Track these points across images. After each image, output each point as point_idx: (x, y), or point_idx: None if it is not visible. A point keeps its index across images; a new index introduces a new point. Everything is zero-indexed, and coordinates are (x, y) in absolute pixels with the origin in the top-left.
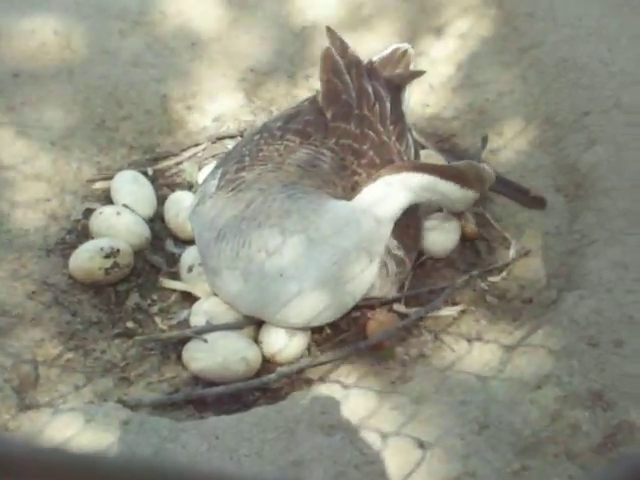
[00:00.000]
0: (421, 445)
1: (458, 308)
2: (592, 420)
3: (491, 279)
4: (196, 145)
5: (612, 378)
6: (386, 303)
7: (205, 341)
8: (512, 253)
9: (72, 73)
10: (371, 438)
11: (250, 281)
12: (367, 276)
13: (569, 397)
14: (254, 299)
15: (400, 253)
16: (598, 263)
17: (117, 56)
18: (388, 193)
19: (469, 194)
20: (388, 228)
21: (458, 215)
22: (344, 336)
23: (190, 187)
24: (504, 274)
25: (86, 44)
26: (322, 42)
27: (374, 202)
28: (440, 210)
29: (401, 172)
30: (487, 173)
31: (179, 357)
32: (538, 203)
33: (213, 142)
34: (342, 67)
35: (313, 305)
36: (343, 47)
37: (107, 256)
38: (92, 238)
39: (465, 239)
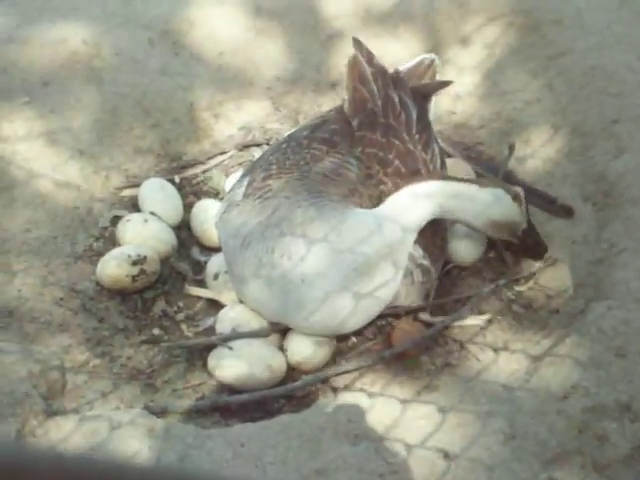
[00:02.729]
0: (446, 455)
1: (484, 317)
2: (620, 431)
3: (518, 288)
4: (222, 153)
5: None
6: (411, 312)
7: (231, 348)
8: (538, 262)
9: (101, 81)
10: (396, 447)
11: (273, 288)
12: (391, 284)
13: (596, 408)
14: (278, 306)
15: (426, 262)
16: (626, 273)
17: (145, 65)
18: (412, 202)
19: (498, 197)
20: (412, 237)
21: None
22: (369, 344)
23: (217, 194)
24: (531, 283)
25: (114, 53)
26: (348, 51)
27: (398, 211)
28: None
29: (425, 182)
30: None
31: (205, 364)
32: (565, 212)
33: (239, 150)
34: (369, 75)
35: (335, 312)
36: (369, 57)
37: (134, 263)
38: (119, 245)
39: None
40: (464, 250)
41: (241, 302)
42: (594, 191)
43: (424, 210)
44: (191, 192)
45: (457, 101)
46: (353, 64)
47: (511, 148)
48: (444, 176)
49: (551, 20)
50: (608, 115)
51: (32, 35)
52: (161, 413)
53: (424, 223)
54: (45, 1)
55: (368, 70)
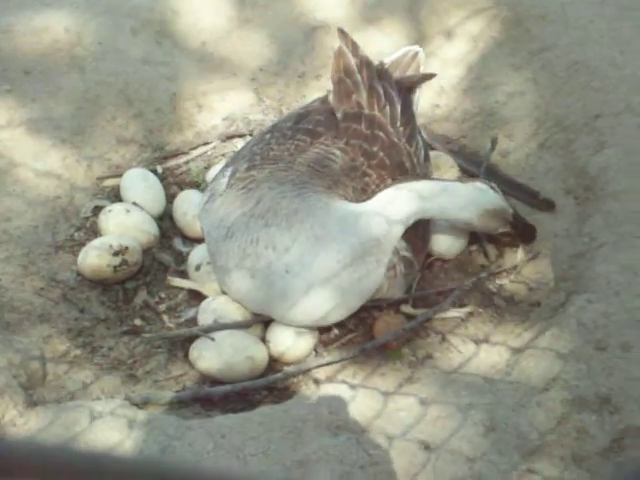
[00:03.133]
0: (427, 447)
1: (466, 310)
2: (599, 424)
3: (499, 282)
4: (206, 144)
5: (620, 382)
6: (394, 304)
7: (212, 339)
8: (520, 255)
9: (83, 70)
10: (377, 439)
11: (257, 278)
12: (375, 277)
13: (576, 400)
14: (262, 296)
15: (409, 254)
16: (607, 266)
17: (128, 54)
18: (399, 197)
19: (481, 189)
20: (398, 231)
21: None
22: (351, 336)
23: (197, 186)
24: (512, 277)
25: (97, 41)
26: (332, 43)
27: (385, 205)
28: None
29: (411, 181)
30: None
31: (186, 355)
32: (547, 206)
33: (223, 141)
34: (354, 66)
35: (319, 303)
36: (354, 48)
37: (116, 254)
38: (101, 235)
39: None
40: (447, 243)
41: (223, 293)
42: (576, 185)
43: (410, 205)
44: (174, 182)
45: (441, 94)
46: (338, 55)
47: (494, 141)
48: (427, 176)
49: (535, 14)
50: (590, 110)
51: (14, 23)
52: (142, 404)
53: (412, 220)
54: None
55: (353, 61)
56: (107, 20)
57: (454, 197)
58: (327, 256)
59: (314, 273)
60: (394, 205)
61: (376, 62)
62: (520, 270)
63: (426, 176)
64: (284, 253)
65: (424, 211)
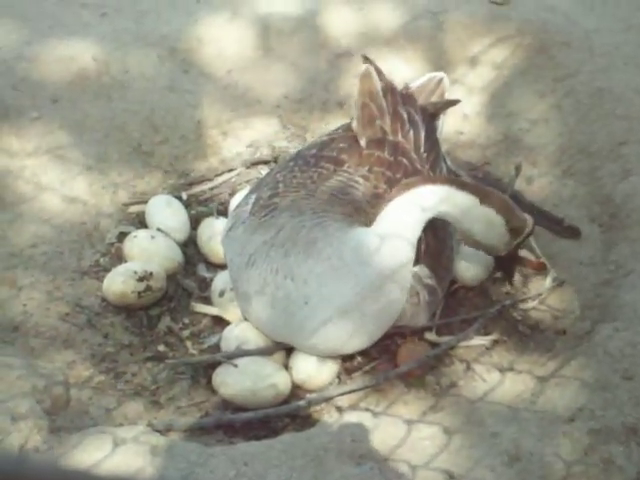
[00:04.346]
0: (451, 476)
1: (490, 338)
2: (626, 455)
3: (524, 307)
4: (230, 170)
5: None
6: (417, 331)
7: (235, 366)
8: (549, 282)
9: (110, 98)
10: (400, 468)
11: (277, 308)
12: (395, 304)
13: (603, 431)
14: (282, 326)
15: (432, 282)
16: (633, 295)
17: (154, 82)
18: (401, 216)
19: (491, 215)
20: (410, 251)
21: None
22: (374, 364)
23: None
24: (535, 303)
25: (124, 70)
26: (356, 70)
27: (391, 228)
28: None
29: (410, 189)
30: (521, 213)
31: (209, 382)
32: (572, 233)
33: (247, 167)
34: (379, 90)
35: (338, 334)
36: (379, 74)
37: (140, 279)
38: (126, 261)
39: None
40: (471, 270)
41: (246, 320)
42: (601, 212)
43: (415, 219)
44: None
45: (465, 121)
46: (365, 77)
47: (518, 168)
48: (429, 178)
49: (559, 41)
50: (615, 137)
51: (42, 52)
52: (165, 430)
53: (419, 231)
54: (55, 18)
55: (379, 84)
56: (134, 49)
57: (462, 211)
58: (345, 288)
59: (333, 305)
60: (400, 226)
61: (401, 86)
62: (545, 298)
63: (426, 175)
64: (303, 284)
65: (431, 217)
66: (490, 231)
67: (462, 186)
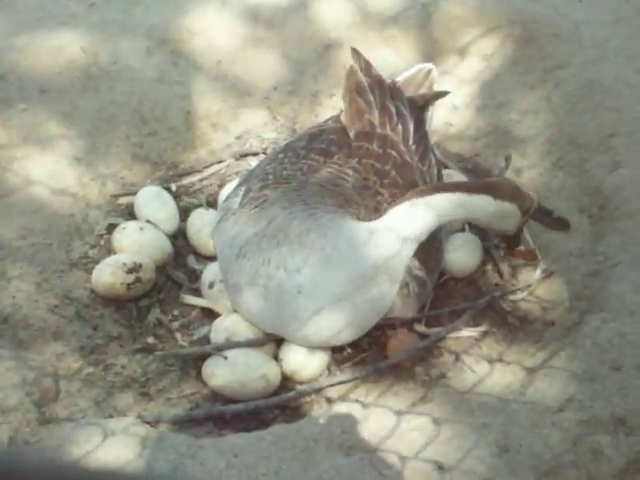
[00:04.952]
0: (440, 467)
1: (479, 329)
2: (614, 445)
3: (513, 298)
4: (219, 162)
5: (635, 403)
6: (407, 323)
7: (225, 358)
8: (538, 273)
9: (98, 90)
10: (390, 459)
11: (269, 299)
12: (387, 296)
13: (591, 421)
14: (273, 317)
15: (422, 273)
16: (621, 286)
17: (143, 73)
18: (413, 214)
19: (506, 206)
20: (411, 249)
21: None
22: (364, 355)
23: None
24: (524, 294)
25: (112, 61)
26: (346, 61)
27: (399, 223)
28: (462, 230)
29: (425, 195)
30: (526, 192)
31: (199, 373)
32: (561, 224)
33: (236, 159)
34: (366, 86)
35: (331, 324)
36: (367, 67)
37: (129, 271)
38: (115, 253)
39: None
40: (460, 261)
41: (236, 311)
42: (590, 204)
43: (425, 220)
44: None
45: (454, 112)
46: (349, 74)
47: (507, 160)
48: (441, 186)
49: (549, 33)
50: (605, 129)
51: (30, 43)
52: (154, 422)
53: (426, 234)
54: (44, 9)
55: (365, 80)
56: (123, 40)
57: (479, 211)
58: (339, 277)
59: (326, 294)
60: (409, 222)
61: (389, 80)
62: (534, 289)
63: (440, 184)
64: (296, 274)
65: (441, 223)
66: (507, 219)
67: (474, 188)
